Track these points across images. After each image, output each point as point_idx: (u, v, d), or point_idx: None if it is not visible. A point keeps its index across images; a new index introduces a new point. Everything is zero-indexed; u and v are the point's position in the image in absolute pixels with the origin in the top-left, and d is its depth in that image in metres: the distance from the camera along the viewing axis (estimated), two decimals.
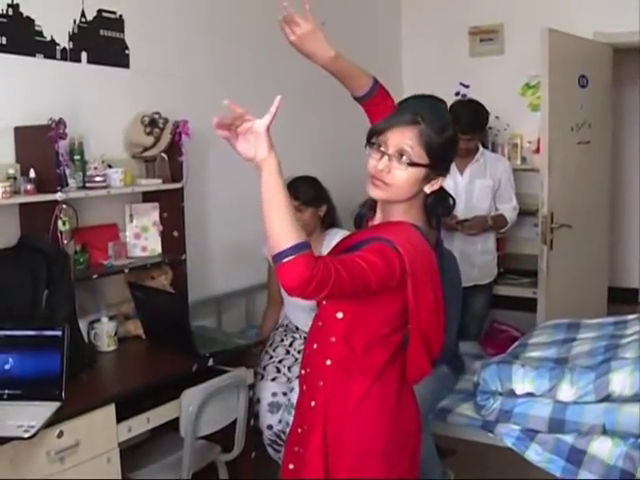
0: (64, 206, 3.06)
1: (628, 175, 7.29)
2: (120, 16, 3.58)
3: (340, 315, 2.04)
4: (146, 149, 3.54)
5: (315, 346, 2.14)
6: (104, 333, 3.28)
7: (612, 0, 5.16)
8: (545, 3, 5.33)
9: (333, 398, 2.07)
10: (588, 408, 2.84)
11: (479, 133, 4.57)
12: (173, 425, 3.02)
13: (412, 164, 1.94)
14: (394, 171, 1.95)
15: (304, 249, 1.73)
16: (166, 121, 3.54)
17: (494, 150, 5.48)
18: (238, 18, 4.37)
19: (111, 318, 3.35)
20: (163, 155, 3.55)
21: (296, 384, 3.53)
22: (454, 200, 2.12)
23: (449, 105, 3.64)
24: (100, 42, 3.50)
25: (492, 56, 5.69)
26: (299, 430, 2.20)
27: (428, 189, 2.01)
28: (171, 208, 3.64)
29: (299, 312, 3.85)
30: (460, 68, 5.75)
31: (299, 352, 3.77)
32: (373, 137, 2.02)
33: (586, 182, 5.11)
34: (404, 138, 1.95)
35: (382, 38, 5.87)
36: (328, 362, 2.08)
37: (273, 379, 3.67)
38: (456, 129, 2.04)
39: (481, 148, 4.62)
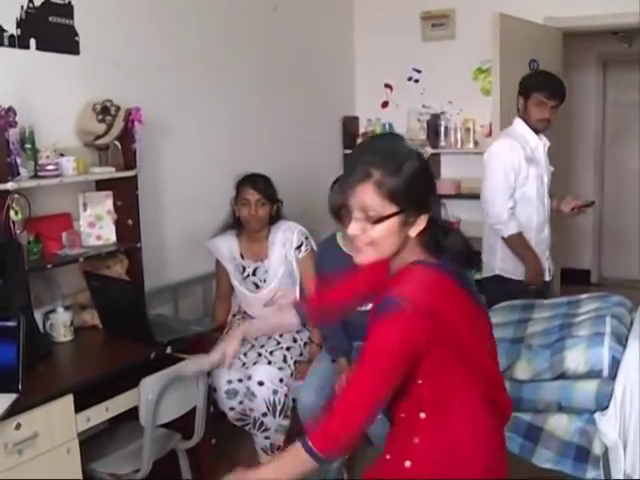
0: (16, 196, 3.01)
1: (579, 157, 7.41)
2: (69, 2, 3.53)
3: (420, 382, 1.87)
4: (98, 137, 3.49)
5: (403, 415, 1.94)
6: (60, 323, 3.24)
7: None
8: None
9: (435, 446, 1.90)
10: (544, 386, 2.89)
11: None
12: (132, 414, 3.00)
13: (378, 221, 1.79)
14: (368, 232, 1.81)
15: None
16: (118, 108, 3.49)
17: (446, 135, 5.54)
18: (190, 4, 4.34)
19: (67, 308, 3.31)
20: (116, 143, 3.51)
21: (253, 370, 3.55)
22: (462, 236, 1.95)
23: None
24: (49, 28, 3.44)
25: (444, 41, 5.75)
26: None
27: (413, 233, 1.84)
28: (125, 196, 3.60)
29: (255, 307, 3.90)
30: (412, 53, 5.79)
31: (256, 339, 3.78)
32: (336, 210, 1.97)
33: None
34: (362, 196, 1.79)
35: (334, 23, 5.86)
36: (422, 415, 1.89)
37: (228, 366, 3.67)
38: (420, 157, 1.85)
39: None
